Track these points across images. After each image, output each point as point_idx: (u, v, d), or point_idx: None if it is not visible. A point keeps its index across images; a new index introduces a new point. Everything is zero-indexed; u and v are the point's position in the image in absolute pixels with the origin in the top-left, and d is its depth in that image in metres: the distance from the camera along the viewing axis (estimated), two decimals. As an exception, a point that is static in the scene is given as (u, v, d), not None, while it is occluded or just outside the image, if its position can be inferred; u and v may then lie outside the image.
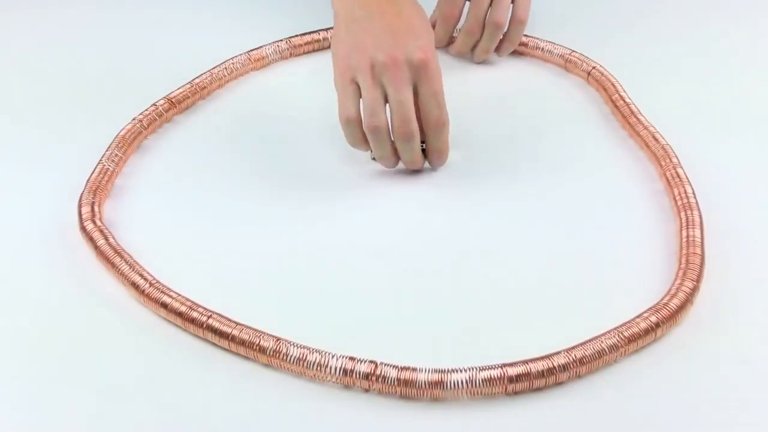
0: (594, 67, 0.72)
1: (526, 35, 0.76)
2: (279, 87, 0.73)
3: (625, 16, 0.82)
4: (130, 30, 0.79)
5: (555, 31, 0.77)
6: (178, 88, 0.69)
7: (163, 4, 0.82)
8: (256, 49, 0.74)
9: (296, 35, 0.76)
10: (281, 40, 0.75)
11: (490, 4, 0.72)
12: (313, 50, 0.76)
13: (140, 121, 0.66)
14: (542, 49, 0.75)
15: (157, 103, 0.67)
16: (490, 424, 0.46)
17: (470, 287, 0.54)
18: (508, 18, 0.73)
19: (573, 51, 0.74)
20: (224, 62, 0.72)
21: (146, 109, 0.67)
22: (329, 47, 0.75)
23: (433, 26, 0.74)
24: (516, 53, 0.76)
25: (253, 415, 0.46)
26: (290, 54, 0.75)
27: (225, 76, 0.72)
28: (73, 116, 0.68)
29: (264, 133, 0.67)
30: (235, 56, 0.73)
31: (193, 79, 0.70)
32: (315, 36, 0.76)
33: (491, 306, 0.53)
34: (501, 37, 0.73)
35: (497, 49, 0.75)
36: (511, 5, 0.73)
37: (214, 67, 0.72)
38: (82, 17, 0.81)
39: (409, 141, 0.60)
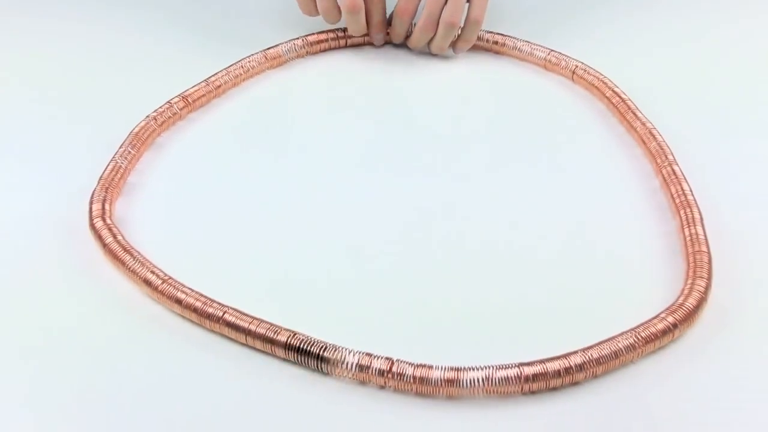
0: (577, 66, 0.72)
1: (501, 34, 0.76)
2: (295, 85, 0.72)
3: (599, 13, 0.82)
4: (146, 27, 0.79)
5: (524, 30, 0.77)
6: (193, 86, 0.69)
7: (180, 1, 0.83)
8: (272, 47, 0.74)
9: (312, 33, 0.76)
10: (297, 39, 0.75)
11: (446, 3, 0.72)
12: (329, 48, 0.76)
13: (154, 118, 0.66)
14: (519, 48, 0.75)
15: (171, 101, 0.67)
16: (505, 423, 0.46)
17: (482, 287, 0.54)
18: (463, 18, 0.73)
19: (552, 50, 0.74)
20: (240, 60, 0.72)
21: (160, 107, 0.67)
22: (346, 46, 0.76)
23: (390, 22, 0.75)
24: (493, 53, 0.76)
25: (269, 409, 0.46)
26: (306, 52, 0.75)
27: (241, 74, 0.72)
28: (88, 113, 0.68)
29: (278, 132, 0.67)
30: (251, 54, 0.73)
31: (209, 78, 0.70)
32: (331, 34, 0.76)
33: (504, 306, 0.53)
34: (455, 35, 0.74)
35: (453, 47, 0.75)
36: (468, 5, 0.73)
37: (230, 66, 0.72)
38: (99, 14, 0.81)
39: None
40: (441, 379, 0.46)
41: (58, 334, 0.50)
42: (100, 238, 0.55)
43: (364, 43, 0.77)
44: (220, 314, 0.50)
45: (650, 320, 0.50)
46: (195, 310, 0.50)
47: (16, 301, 0.53)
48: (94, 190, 0.59)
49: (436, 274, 0.55)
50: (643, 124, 0.65)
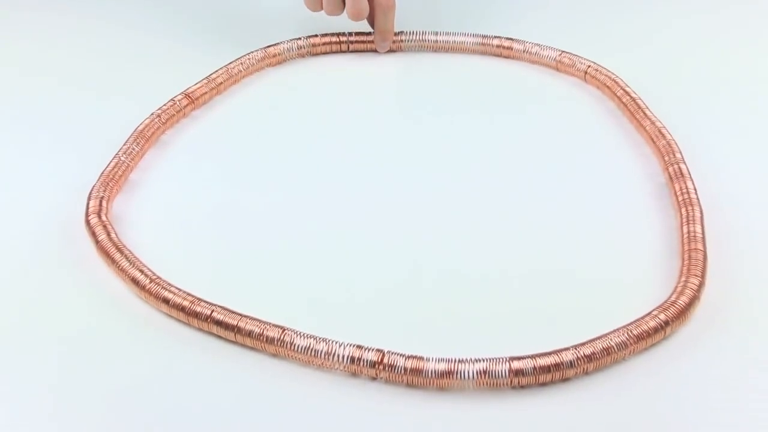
0: (590, 66, 0.72)
1: (510, 39, 0.76)
2: (295, 84, 0.73)
3: (610, 14, 0.82)
4: (149, 24, 0.80)
5: (535, 32, 0.77)
6: (196, 84, 0.70)
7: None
8: (273, 45, 0.75)
9: (315, 35, 0.76)
10: (299, 38, 0.76)
11: None
12: (332, 51, 0.76)
13: (159, 116, 0.66)
14: (530, 51, 0.75)
15: (175, 99, 0.68)
16: (496, 415, 0.45)
17: (477, 281, 0.54)
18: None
19: (563, 51, 0.74)
20: (240, 58, 0.73)
21: (164, 104, 0.67)
22: (349, 50, 0.76)
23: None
24: (503, 56, 0.76)
25: (260, 403, 0.46)
26: (308, 52, 0.76)
27: (241, 71, 0.72)
28: (93, 109, 0.69)
29: (278, 132, 0.67)
30: (252, 51, 0.74)
31: (210, 75, 0.71)
32: (334, 38, 0.76)
33: (496, 300, 0.52)
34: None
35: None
36: None
37: (230, 63, 0.72)
38: (101, 11, 0.82)
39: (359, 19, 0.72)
40: (433, 371, 0.46)
41: (45, 330, 0.50)
42: (93, 234, 0.55)
43: (367, 49, 0.77)
44: (209, 312, 0.50)
45: (642, 318, 0.49)
46: (183, 309, 0.50)
47: (6, 291, 0.53)
48: (93, 186, 0.59)
49: (432, 268, 0.55)
50: (653, 123, 0.65)
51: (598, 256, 0.56)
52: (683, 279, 0.52)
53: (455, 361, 0.46)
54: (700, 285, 0.51)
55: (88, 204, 0.57)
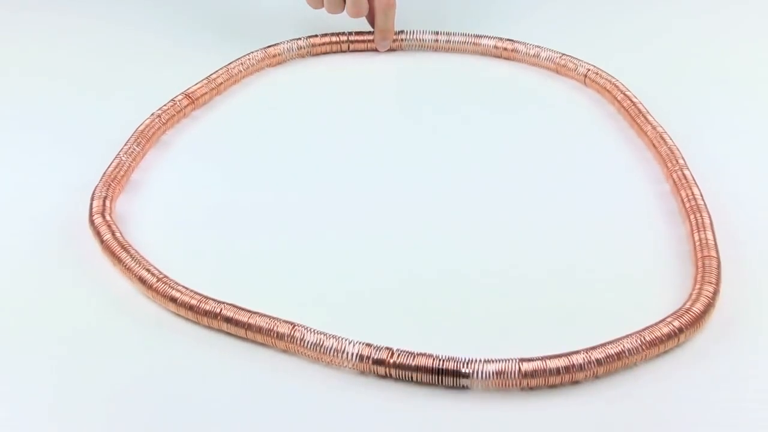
0: (590, 69, 0.72)
1: (511, 40, 0.75)
2: (295, 84, 0.73)
3: (608, 18, 0.83)
4: (149, 24, 0.80)
5: (536, 35, 0.77)
6: (196, 84, 0.69)
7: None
8: (273, 45, 0.75)
9: (315, 35, 0.76)
10: (299, 38, 0.75)
11: None
12: (332, 51, 0.76)
13: (159, 116, 0.65)
14: (530, 53, 0.75)
15: (175, 99, 0.67)
16: (504, 416, 0.45)
17: (489, 284, 0.54)
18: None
19: (563, 54, 0.74)
20: (240, 58, 0.73)
21: (165, 105, 0.67)
22: (349, 50, 0.76)
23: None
24: (502, 57, 0.76)
25: (269, 400, 0.46)
26: (308, 53, 0.76)
27: (241, 72, 0.72)
28: (93, 110, 0.69)
29: (279, 132, 0.67)
30: (252, 52, 0.73)
31: (210, 75, 0.70)
32: (334, 38, 0.76)
33: (510, 304, 0.52)
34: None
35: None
36: None
37: (230, 63, 0.72)
38: (101, 11, 0.82)
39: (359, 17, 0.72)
40: (441, 370, 0.46)
41: (50, 330, 0.50)
42: (98, 234, 0.55)
43: (367, 49, 0.77)
44: (218, 311, 0.49)
45: (656, 324, 0.49)
46: (191, 307, 0.50)
47: (11, 292, 0.52)
48: (96, 187, 0.59)
49: (439, 267, 0.54)
50: (654, 128, 0.65)
51: (608, 262, 0.55)
52: (698, 286, 0.51)
53: (463, 360, 0.46)
54: (715, 292, 0.51)
55: (91, 204, 0.57)
